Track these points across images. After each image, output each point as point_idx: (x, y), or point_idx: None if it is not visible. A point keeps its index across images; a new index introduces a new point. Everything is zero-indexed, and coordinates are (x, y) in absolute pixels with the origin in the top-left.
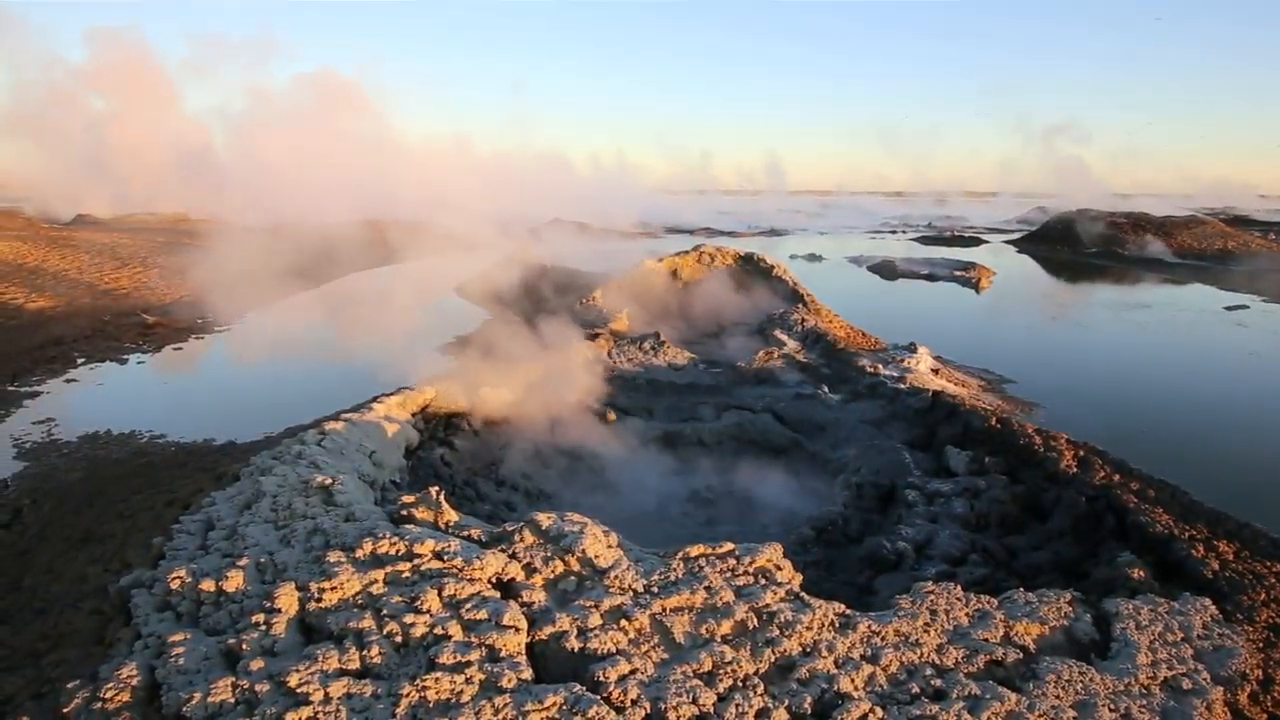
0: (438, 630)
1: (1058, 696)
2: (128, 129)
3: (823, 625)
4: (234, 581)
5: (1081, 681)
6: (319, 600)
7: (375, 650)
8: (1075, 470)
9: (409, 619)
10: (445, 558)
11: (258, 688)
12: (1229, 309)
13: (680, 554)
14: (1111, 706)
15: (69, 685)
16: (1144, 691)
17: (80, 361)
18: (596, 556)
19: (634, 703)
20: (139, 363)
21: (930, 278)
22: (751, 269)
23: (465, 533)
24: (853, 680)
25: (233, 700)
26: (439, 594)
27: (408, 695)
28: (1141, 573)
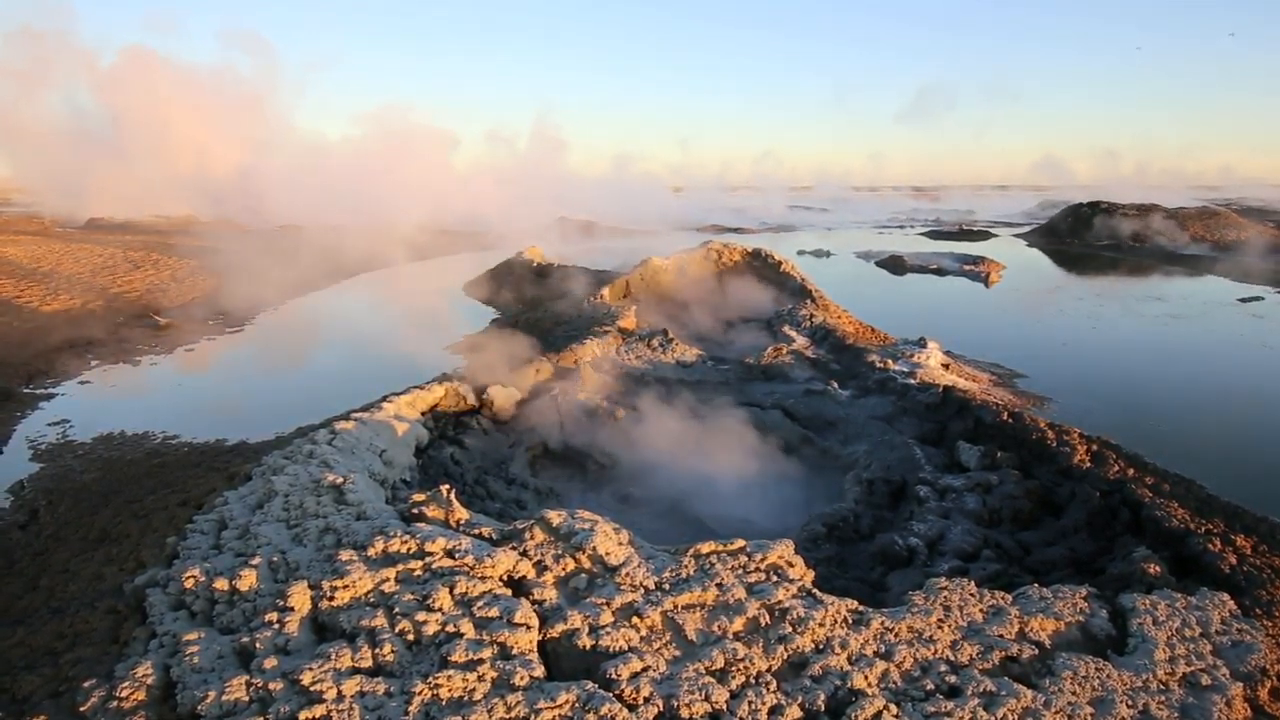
0: (450, 628)
1: (1074, 693)
2: (139, 134)
3: (835, 622)
4: (247, 580)
5: (1098, 678)
6: (331, 599)
7: (388, 648)
8: (1089, 464)
9: (421, 617)
10: (456, 556)
11: (271, 686)
12: (1243, 300)
13: (691, 551)
14: (1130, 703)
15: (86, 684)
16: (1162, 688)
17: (94, 363)
18: (607, 554)
19: (646, 700)
20: (152, 364)
21: (939, 272)
22: (760, 265)
23: (476, 531)
24: (866, 677)
25: (246, 698)
26: (450, 592)
27: (420, 693)
28: (1157, 568)
